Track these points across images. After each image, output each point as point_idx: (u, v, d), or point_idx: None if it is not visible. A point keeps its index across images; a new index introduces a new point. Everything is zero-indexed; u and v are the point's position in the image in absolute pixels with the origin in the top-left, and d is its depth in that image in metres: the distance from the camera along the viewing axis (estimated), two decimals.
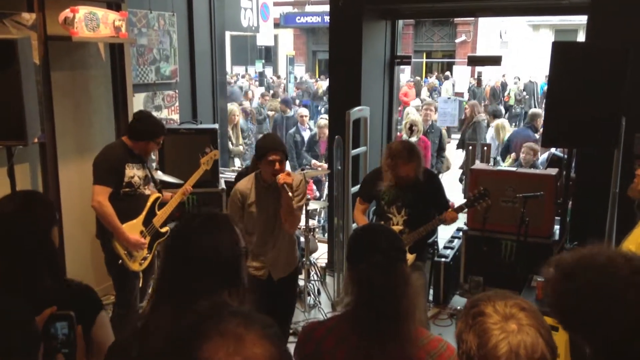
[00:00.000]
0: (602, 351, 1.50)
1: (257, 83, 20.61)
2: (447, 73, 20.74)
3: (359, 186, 5.20)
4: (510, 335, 1.24)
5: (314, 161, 7.92)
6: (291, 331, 4.26)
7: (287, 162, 3.72)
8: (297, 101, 16.75)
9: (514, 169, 5.84)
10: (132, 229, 3.83)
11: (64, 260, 4.40)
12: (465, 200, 4.02)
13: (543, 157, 7.38)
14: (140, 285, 4.07)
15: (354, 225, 5.08)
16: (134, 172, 3.84)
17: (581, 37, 18.84)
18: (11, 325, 1.34)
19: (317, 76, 23.00)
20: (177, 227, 1.80)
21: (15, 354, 1.33)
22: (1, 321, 1.33)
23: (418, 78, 21.08)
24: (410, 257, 3.66)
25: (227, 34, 11.45)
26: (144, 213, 3.90)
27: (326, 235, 6.40)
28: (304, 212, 5.19)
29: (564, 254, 1.62)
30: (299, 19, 24.84)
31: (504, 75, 18.92)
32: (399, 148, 3.72)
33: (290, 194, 3.42)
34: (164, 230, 4.01)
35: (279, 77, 20.69)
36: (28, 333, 1.39)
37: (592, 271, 1.49)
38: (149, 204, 3.93)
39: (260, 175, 3.59)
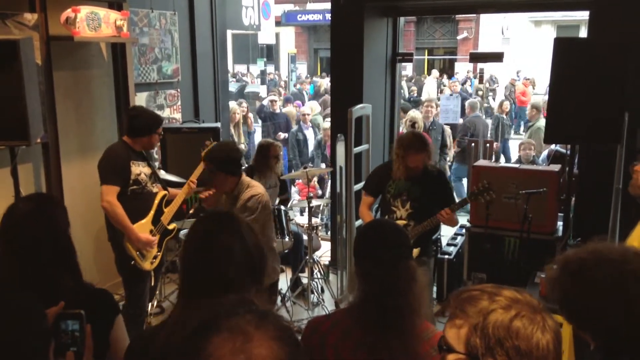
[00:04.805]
0: (607, 346, 1.50)
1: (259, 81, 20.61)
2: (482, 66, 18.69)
3: (363, 182, 5.21)
4: None
5: (322, 164, 7.84)
6: (295, 329, 4.26)
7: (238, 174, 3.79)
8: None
9: (516, 165, 5.84)
10: (142, 229, 3.82)
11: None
12: (467, 194, 4.02)
13: (544, 154, 7.36)
14: (152, 284, 4.10)
15: (358, 222, 5.08)
16: (139, 169, 3.84)
17: (583, 33, 18.78)
18: (22, 321, 1.35)
19: (319, 74, 22.95)
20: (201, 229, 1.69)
21: (26, 350, 1.33)
22: (12, 317, 1.34)
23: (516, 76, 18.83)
24: (414, 251, 3.66)
25: (229, 33, 11.44)
26: (152, 212, 3.90)
27: (329, 233, 6.39)
28: (306, 209, 5.19)
29: (569, 251, 1.62)
30: (300, 17, 24.82)
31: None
32: (410, 138, 3.80)
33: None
34: (171, 227, 4.02)
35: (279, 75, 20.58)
36: (39, 329, 1.39)
37: (601, 265, 1.49)
38: (156, 201, 3.93)
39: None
